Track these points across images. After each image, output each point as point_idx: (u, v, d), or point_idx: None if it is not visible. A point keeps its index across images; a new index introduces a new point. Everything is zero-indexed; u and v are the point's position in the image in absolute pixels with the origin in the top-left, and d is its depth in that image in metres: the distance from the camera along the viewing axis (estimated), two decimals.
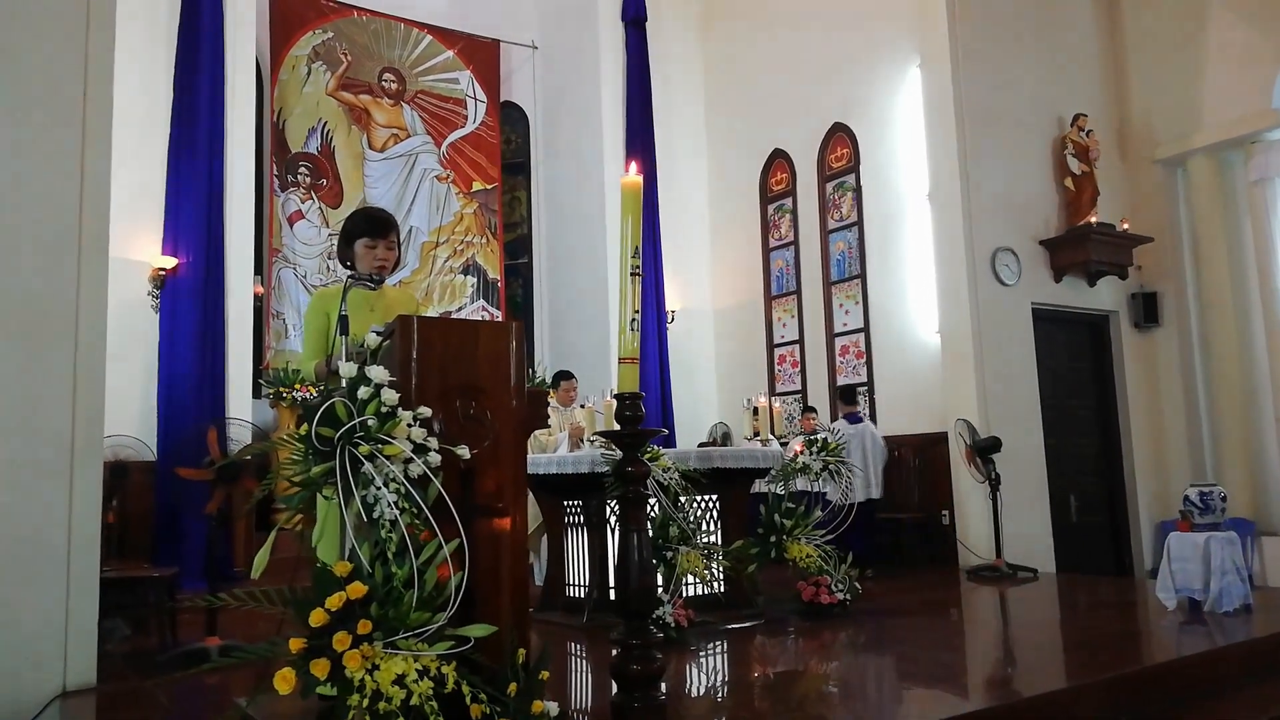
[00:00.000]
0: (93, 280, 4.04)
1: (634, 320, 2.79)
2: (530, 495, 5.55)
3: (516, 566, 2.63)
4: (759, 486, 6.03)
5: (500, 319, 9.82)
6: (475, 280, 10.06)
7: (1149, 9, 8.90)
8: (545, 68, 10.66)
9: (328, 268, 9.04)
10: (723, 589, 5.08)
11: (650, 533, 4.53)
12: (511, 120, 10.69)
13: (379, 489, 2.27)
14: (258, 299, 8.21)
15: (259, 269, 8.34)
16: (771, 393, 8.96)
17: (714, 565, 4.95)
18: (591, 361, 9.05)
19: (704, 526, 5.15)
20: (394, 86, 9.82)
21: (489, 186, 10.23)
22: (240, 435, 5.62)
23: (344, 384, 2.45)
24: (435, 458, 2.37)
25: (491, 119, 10.30)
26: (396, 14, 9.81)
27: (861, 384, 8.64)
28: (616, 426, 2.80)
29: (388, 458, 2.30)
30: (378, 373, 2.38)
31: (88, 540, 3.92)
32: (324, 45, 9.38)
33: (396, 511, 2.27)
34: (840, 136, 9.05)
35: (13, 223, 3.88)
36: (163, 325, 7.04)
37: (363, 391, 2.35)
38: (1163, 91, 8.75)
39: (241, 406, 7.09)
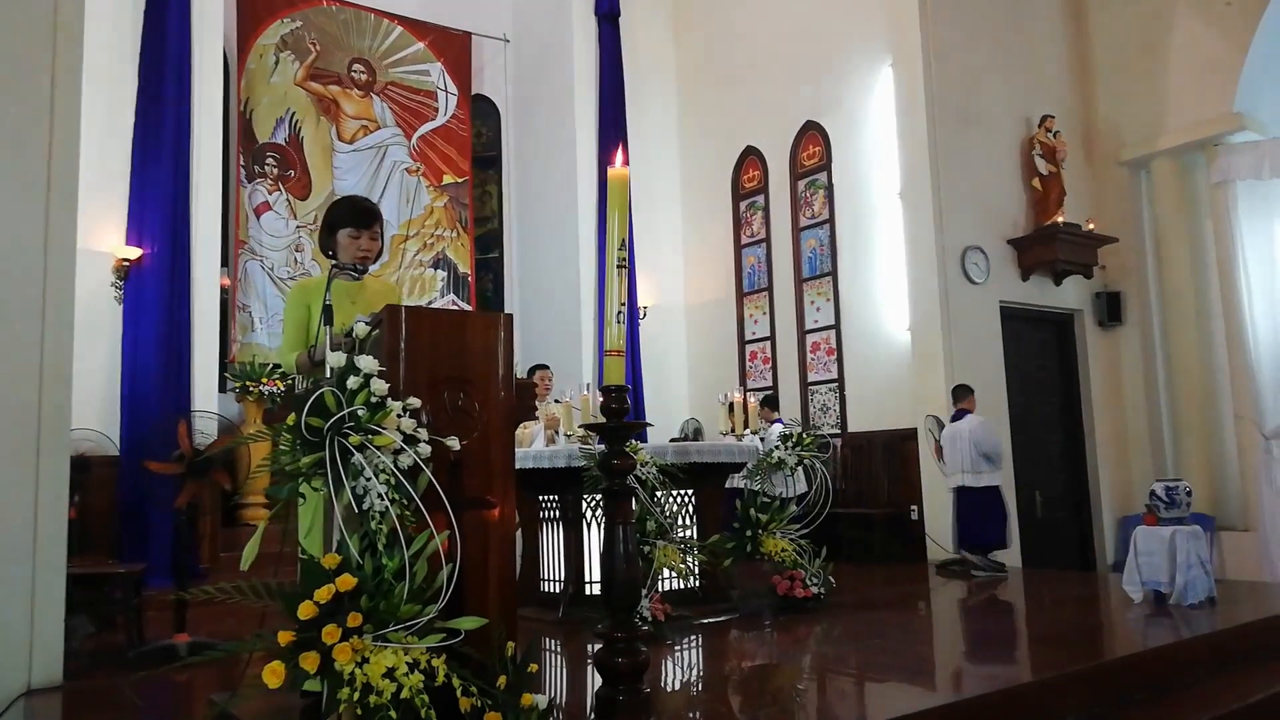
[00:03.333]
0: (59, 271, 3.95)
1: (620, 313, 2.77)
2: None
3: (504, 559, 2.62)
4: (734, 481, 6.05)
5: None
6: (445, 274, 9.98)
7: (1115, 13, 9.04)
8: (517, 61, 10.61)
9: (295, 260, 8.93)
10: (699, 583, 5.11)
11: None
12: (483, 114, 10.62)
13: (369, 479, 2.24)
14: (224, 291, 8.08)
15: (225, 261, 8.20)
16: (744, 389, 8.97)
17: (690, 559, 4.97)
18: (562, 356, 9.01)
19: (680, 521, 5.16)
20: (364, 78, 9.71)
21: (459, 180, 10.16)
22: (207, 428, 5.51)
23: (330, 374, 2.42)
24: (425, 448, 2.35)
25: (462, 112, 10.23)
26: (367, 4, 9.71)
27: (832, 380, 8.71)
28: (597, 419, 2.79)
29: (378, 448, 2.27)
30: (367, 362, 2.35)
31: (53, 536, 3.83)
32: (292, 34, 9.25)
33: (387, 502, 2.24)
34: (812, 134, 9.10)
35: None
36: (126, 317, 6.88)
37: (352, 381, 2.32)
38: (1128, 94, 8.91)
39: (207, 400, 6.96)
